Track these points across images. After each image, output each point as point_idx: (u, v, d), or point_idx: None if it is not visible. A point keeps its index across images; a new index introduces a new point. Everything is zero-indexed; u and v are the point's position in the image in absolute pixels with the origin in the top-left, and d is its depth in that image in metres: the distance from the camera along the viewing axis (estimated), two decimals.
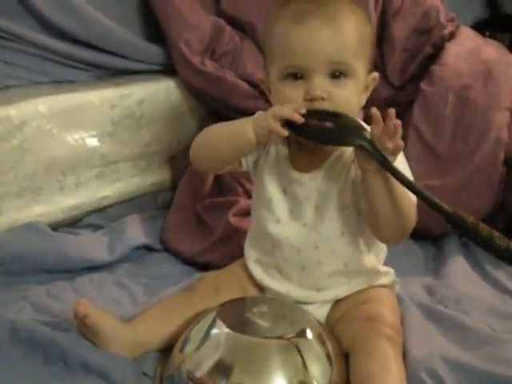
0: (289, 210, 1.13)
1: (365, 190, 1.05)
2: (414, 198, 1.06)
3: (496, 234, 1.00)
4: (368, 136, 1.00)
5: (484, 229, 1.00)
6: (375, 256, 1.16)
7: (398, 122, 0.98)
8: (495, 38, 1.87)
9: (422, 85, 1.60)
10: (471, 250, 1.52)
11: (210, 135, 1.15)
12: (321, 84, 1.05)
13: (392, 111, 0.98)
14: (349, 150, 1.11)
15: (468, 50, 1.66)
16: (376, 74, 1.13)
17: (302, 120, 1.02)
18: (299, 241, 1.13)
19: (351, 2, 1.11)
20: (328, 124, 1.02)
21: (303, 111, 1.02)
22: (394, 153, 0.99)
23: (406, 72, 1.71)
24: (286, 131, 1.03)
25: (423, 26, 1.72)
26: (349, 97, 1.07)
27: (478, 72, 1.59)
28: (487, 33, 2.03)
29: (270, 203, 1.14)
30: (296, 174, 1.12)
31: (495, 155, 1.50)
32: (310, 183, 1.11)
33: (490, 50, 1.69)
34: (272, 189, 1.14)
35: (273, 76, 1.10)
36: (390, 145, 0.98)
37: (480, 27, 1.97)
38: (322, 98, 1.05)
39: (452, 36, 1.71)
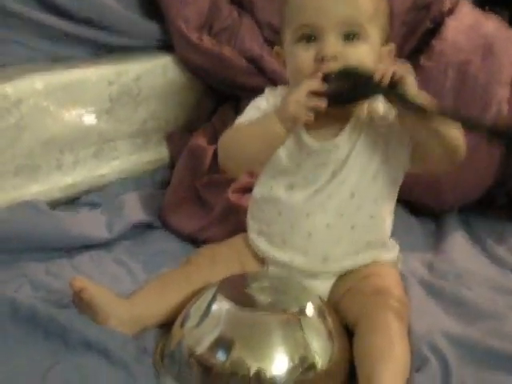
0: (303, 177, 1.13)
1: (408, 131, 1.05)
2: None
3: None
4: (373, 81, 1.00)
5: None
6: (382, 223, 1.16)
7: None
8: (495, 13, 1.85)
9: (422, 60, 1.58)
10: (471, 225, 1.52)
11: (237, 139, 1.12)
12: (333, 44, 1.04)
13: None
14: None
15: (468, 24, 1.65)
16: (392, 46, 1.12)
17: (321, 87, 1.02)
18: (309, 205, 1.12)
19: None
20: (342, 84, 1.02)
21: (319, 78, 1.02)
22: (401, 81, 0.99)
23: (405, 47, 1.69)
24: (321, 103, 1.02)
25: (422, 1, 1.71)
26: (363, 58, 1.05)
27: (478, 47, 1.57)
28: (487, 7, 2.01)
29: (285, 172, 1.14)
30: (315, 144, 1.11)
31: None
32: (333, 151, 1.10)
33: (490, 24, 1.68)
34: (288, 161, 1.13)
35: (287, 42, 1.09)
36: (392, 75, 0.99)
37: (480, 3, 1.96)
38: (334, 58, 1.04)
39: (451, 11, 1.69)
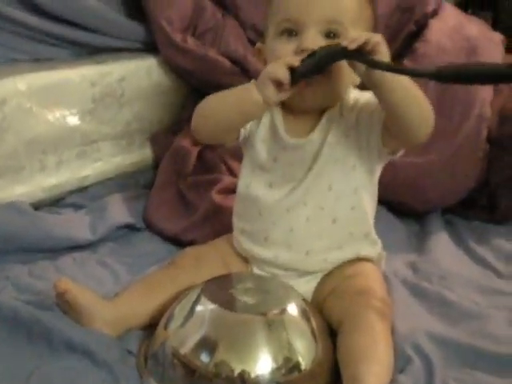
0: (281, 175, 1.13)
1: (376, 95, 1.04)
2: None
3: None
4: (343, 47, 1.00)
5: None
6: (364, 215, 1.16)
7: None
8: (478, 16, 1.87)
9: (405, 62, 1.59)
10: (454, 226, 1.53)
11: (213, 104, 1.13)
12: (312, 38, 1.05)
13: None
14: (336, 106, 1.11)
15: (451, 26, 1.66)
16: None
17: (297, 63, 1.01)
18: (288, 201, 1.12)
19: None
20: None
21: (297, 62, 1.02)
22: (374, 49, 0.98)
23: (389, 49, 1.70)
24: (288, 76, 1.01)
25: (406, 3, 1.71)
26: None
27: (462, 49, 1.59)
28: (469, 10, 2.03)
29: (262, 169, 1.15)
30: (292, 140, 1.12)
31: (478, 132, 1.50)
32: (307, 146, 1.11)
33: (473, 26, 1.69)
34: (265, 155, 1.14)
35: (269, 37, 1.10)
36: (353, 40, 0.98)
37: (462, 5, 1.98)
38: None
39: (435, 13, 1.70)
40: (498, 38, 1.68)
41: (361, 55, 0.99)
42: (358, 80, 1.10)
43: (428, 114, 1.05)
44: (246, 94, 1.06)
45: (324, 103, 1.12)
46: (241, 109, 1.08)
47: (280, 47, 1.08)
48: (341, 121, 1.11)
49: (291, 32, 1.07)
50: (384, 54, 0.99)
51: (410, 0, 1.71)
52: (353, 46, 0.98)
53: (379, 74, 0.99)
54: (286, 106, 1.13)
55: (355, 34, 1.01)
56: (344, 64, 1.04)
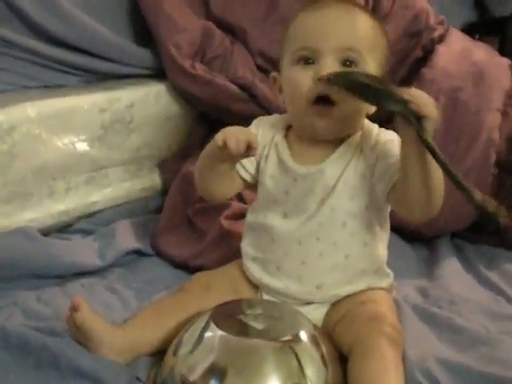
0: (295, 205, 1.13)
1: (401, 158, 1.02)
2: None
3: None
4: (405, 99, 0.96)
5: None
6: (376, 251, 1.15)
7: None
8: (484, 42, 1.87)
9: (413, 87, 1.59)
10: (464, 251, 1.52)
11: (197, 168, 1.17)
12: (330, 65, 1.05)
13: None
14: (355, 140, 1.11)
15: (458, 52, 1.67)
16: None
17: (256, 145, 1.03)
18: (301, 233, 1.12)
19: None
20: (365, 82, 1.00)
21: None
22: (430, 118, 0.96)
23: (395, 75, 1.70)
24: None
25: (413, 29, 1.72)
26: None
27: (469, 74, 1.59)
28: (477, 36, 2.04)
29: (275, 202, 1.14)
30: (302, 169, 1.12)
31: (486, 156, 1.50)
32: (317, 176, 1.11)
33: (480, 51, 1.70)
34: (275, 190, 1.14)
35: (285, 65, 1.11)
36: (425, 108, 0.95)
37: (469, 30, 1.98)
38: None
39: (442, 38, 1.71)
40: (505, 62, 1.68)
41: (416, 119, 0.95)
42: (372, 109, 1.11)
43: (436, 204, 1.04)
44: (212, 144, 1.07)
45: (337, 133, 1.11)
46: (211, 162, 1.11)
47: (297, 75, 1.08)
48: (360, 157, 1.10)
49: (308, 60, 1.07)
50: (433, 123, 0.97)
51: (416, 26, 1.72)
52: (426, 112, 0.95)
53: (419, 148, 0.97)
54: (295, 136, 1.14)
55: (421, 93, 0.97)
56: None
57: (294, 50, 1.08)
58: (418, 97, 0.96)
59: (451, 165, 0.96)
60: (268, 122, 1.18)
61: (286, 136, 1.15)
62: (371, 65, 1.08)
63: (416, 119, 0.95)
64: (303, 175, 1.11)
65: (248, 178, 1.17)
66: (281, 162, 1.14)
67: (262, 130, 1.17)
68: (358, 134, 1.13)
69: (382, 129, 1.14)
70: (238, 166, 1.16)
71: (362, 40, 1.07)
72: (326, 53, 1.06)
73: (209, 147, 1.11)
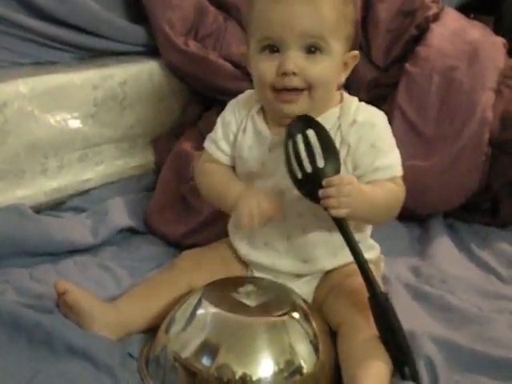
0: (271, 178, 1.13)
1: None
2: (399, 173, 1.10)
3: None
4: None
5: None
6: (358, 224, 1.15)
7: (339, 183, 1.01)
8: (479, 21, 1.87)
9: (407, 66, 1.59)
10: (457, 230, 1.53)
11: (201, 185, 1.22)
12: (294, 58, 1.05)
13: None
14: (334, 113, 1.12)
15: (453, 30, 1.66)
16: (356, 52, 1.13)
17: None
18: (283, 208, 1.11)
19: None
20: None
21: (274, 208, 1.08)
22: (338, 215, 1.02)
23: (390, 53, 1.70)
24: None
25: (407, 7, 1.72)
26: (322, 73, 1.06)
27: (463, 53, 1.59)
28: (471, 15, 2.03)
29: (253, 175, 1.15)
30: (276, 138, 1.12)
31: (480, 136, 1.50)
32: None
33: (475, 31, 1.69)
34: (253, 161, 1.15)
35: (252, 49, 1.10)
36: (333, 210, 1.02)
37: (464, 9, 1.97)
38: (294, 74, 1.05)
39: (436, 17, 1.70)
40: (499, 41, 1.68)
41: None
42: (343, 79, 1.12)
43: (392, 215, 1.15)
44: (225, 202, 1.13)
45: (309, 113, 1.10)
46: (219, 203, 1.17)
47: (262, 65, 1.08)
48: (337, 132, 1.10)
49: (273, 47, 1.07)
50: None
51: (411, 4, 1.71)
52: (332, 214, 1.02)
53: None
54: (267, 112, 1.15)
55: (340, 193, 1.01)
56: (330, 78, 1.07)
57: (259, 39, 1.08)
58: (332, 197, 1.01)
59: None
60: (242, 100, 1.19)
61: (261, 108, 1.16)
62: (337, 47, 1.07)
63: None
64: (277, 144, 1.11)
65: (228, 161, 1.19)
66: (257, 133, 1.15)
67: (238, 111, 1.18)
68: (337, 107, 1.12)
69: (362, 104, 1.14)
70: (216, 151, 1.19)
71: (326, 25, 1.05)
72: (290, 42, 1.05)
73: (222, 185, 1.16)
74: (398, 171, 1.11)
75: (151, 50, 1.70)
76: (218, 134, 1.19)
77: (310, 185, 1.03)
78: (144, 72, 1.66)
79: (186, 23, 1.67)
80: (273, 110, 1.12)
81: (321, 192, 1.01)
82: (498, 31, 1.82)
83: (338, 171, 1.03)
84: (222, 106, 1.65)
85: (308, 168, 1.03)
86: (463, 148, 1.50)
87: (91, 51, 1.66)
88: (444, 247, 1.44)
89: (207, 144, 1.21)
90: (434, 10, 1.71)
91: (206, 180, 1.20)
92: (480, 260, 1.40)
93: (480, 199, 1.55)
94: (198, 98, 1.73)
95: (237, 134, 1.17)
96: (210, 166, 1.20)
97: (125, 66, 1.64)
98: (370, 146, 1.09)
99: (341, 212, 1.01)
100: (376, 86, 1.65)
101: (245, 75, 1.61)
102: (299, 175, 1.04)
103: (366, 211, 1.05)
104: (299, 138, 1.05)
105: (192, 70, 1.64)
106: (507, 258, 1.40)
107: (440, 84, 1.54)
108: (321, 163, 1.03)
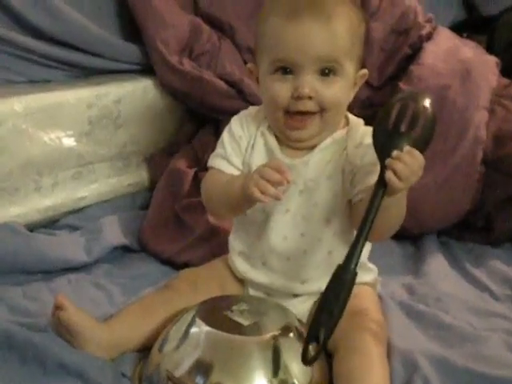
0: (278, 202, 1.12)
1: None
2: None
3: None
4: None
5: None
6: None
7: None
8: (472, 40, 1.88)
9: (401, 84, 1.60)
10: (450, 248, 1.53)
11: (210, 197, 1.16)
12: (309, 82, 1.05)
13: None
14: (341, 135, 1.12)
15: (446, 49, 1.67)
16: (365, 71, 1.13)
17: (284, 183, 1.00)
18: (285, 228, 1.12)
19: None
20: None
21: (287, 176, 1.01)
22: (393, 190, 0.98)
23: (384, 72, 1.71)
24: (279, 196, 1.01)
25: (401, 27, 1.73)
26: (336, 95, 1.07)
27: (456, 71, 1.59)
28: (464, 34, 2.04)
29: None
30: (286, 159, 1.11)
31: (474, 154, 1.51)
32: (300, 168, 1.11)
33: (468, 50, 1.70)
34: None
35: (263, 68, 1.10)
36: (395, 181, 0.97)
37: (457, 29, 1.99)
38: (310, 97, 1.05)
39: (430, 36, 1.71)
40: (492, 60, 1.69)
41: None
42: (351, 97, 1.12)
43: (392, 232, 1.11)
44: (234, 197, 1.07)
45: (317, 139, 1.10)
46: (233, 208, 1.11)
47: (275, 87, 1.07)
48: (342, 155, 1.11)
49: (286, 69, 1.06)
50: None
51: (405, 23, 1.72)
52: (391, 184, 0.97)
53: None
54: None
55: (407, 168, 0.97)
56: (343, 99, 1.07)
57: (272, 61, 1.07)
58: (403, 166, 0.97)
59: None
60: (249, 117, 1.18)
61: (270, 126, 1.15)
62: (349, 69, 1.08)
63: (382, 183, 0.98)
64: (288, 167, 1.10)
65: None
66: (268, 151, 1.14)
67: (247, 126, 1.16)
68: (345, 129, 1.13)
69: (368, 128, 1.14)
70: (229, 167, 1.15)
71: (340, 48, 1.05)
72: (304, 65, 1.04)
73: (227, 184, 1.10)
74: None
75: (146, 69, 1.71)
76: (228, 150, 1.15)
77: (392, 141, 1.00)
78: (138, 90, 1.67)
79: (180, 42, 1.67)
80: (280, 133, 1.12)
81: (396, 153, 0.97)
82: (490, 50, 1.83)
83: (422, 152, 1.01)
84: (216, 124, 1.67)
85: (403, 128, 1.01)
86: (457, 166, 1.50)
87: (86, 69, 1.66)
88: (438, 265, 1.44)
89: (218, 162, 1.15)
90: (427, 29, 1.72)
91: (214, 193, 1.15)
92: (474, 278, 1.40)
93: (473, 217, 1.55)
94: (193, 116, 1.74)
95: (245, 152, 1.15)
96: (214, 177, 1.16)
97: (119, 85, 1.65)
98: (373, 165, 1.07)
99: (398, 184, 0.96)
100: (370, 104, 1.65)
101: (239, 94, 1.62)
102: (390, 127, 1.01)
103: (402, 205, 1.04)
104: (412, 104, 1.03)
105: (186, 88, 1.65)
106: (501, 276, 1.40)
107: (433, 103, 1.54)
108: (417, 132, 1.01)
